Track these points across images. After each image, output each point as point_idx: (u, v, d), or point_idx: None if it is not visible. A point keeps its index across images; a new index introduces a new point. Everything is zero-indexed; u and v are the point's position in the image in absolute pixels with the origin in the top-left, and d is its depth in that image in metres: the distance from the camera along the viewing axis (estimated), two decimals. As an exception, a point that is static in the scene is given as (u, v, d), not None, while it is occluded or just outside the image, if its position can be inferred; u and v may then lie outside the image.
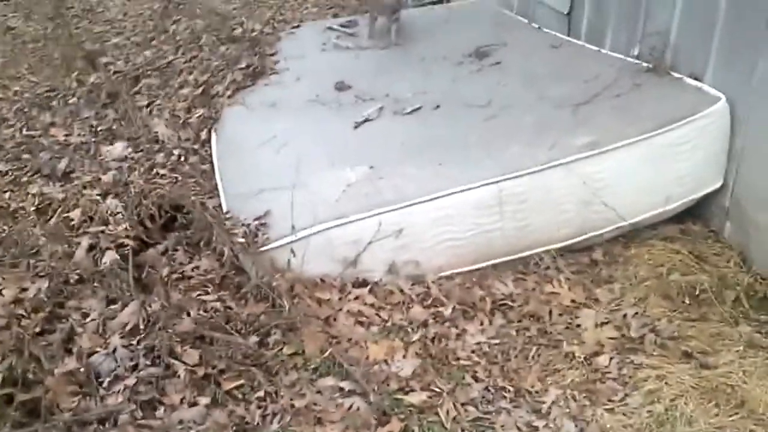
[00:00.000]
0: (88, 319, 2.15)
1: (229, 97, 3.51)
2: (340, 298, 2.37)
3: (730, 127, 2.62)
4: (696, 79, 2.77)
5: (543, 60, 3.45)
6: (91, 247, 2.45)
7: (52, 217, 2.72)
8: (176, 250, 2.51)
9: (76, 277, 2.31)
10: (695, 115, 2.59)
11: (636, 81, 2.88)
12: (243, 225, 2.48)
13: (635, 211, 2.62)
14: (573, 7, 3.77)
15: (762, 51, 2.42)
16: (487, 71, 3.41)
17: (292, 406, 1.95)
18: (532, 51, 3.60)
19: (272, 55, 3.94)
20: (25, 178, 3.12)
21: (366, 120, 3.01)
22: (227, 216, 2.58)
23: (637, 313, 2.35)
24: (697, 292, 2.41)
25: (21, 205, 2.85)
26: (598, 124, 2.67)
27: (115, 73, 4.07)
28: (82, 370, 1.96)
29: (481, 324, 2.33)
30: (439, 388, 2.04)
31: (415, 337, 2.24)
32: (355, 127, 2.97)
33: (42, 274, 2.31)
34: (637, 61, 3.08)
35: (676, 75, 2.85)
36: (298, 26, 4.59)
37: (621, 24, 3.32)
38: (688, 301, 2.39)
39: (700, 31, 2.73)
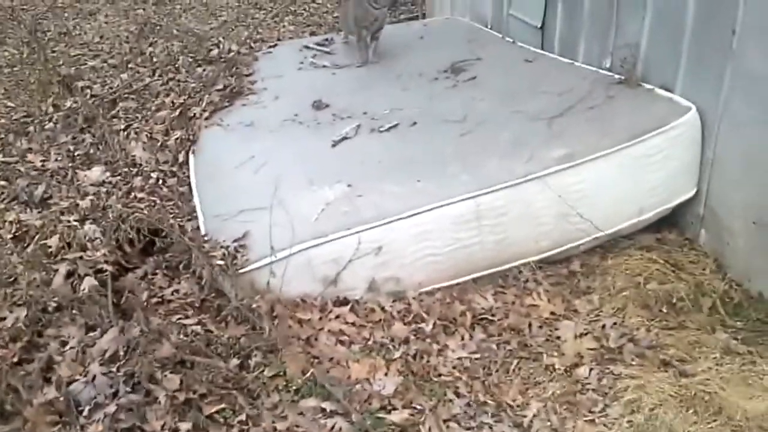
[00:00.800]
0: (67, 347, 2.12)
1: (206, 118, 3.50)
2: (320, 318, 2.36)
3: (702, 137, 2.67)
4: (667, 89, 2.82)
5: (518, 74, 3.50)
6: (70, 274, 2.42)
7: (29, 244, 2.69)
8: (155, 274, 2.50)
9: (55, 304, 2.28)
10: (667, 125, 2.64)
11: (609, 93, 2.92)
12: (222, 247, 2.47)
13: (611, 221, 2.66)
14: (546, 21, 3.82)
15: (729, 60, 2.47)
16: (463, 87, 3.44)
17: (275, 428, 1.94)
18: (507, 65, 3.65)
19: (249, 75, 3.96)
20: (2, 206, 3.09)
21: (344, 138, 3.02)
22: (206, 238, 2.57)
23: (615, 324, 2.37)
24: (674, 301, 2.45)
25: (-2, 233, 2.83)
26: (573, 136, 2.70)
27: (91, 96, 4.05)
28: (61, 399, 1.93)
29: (462, 339, 2.34)
30: (421, 406, 2.04)
31: (397, 354, 2.24)
32: (333, 146, 2.98)
33: (19, 302, 2.28)
34: (609, 73, 3.13)
35: (648, 86, 2.90)
36: (274, 45, 4.62)
37: (592, 37, 3.38)
38: (665, 310, 2.43)
39: (669, 43, 2.78)
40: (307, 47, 4.34)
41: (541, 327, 2.39)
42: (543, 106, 2.96)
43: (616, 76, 3.05)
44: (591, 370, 2.19)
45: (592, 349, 2.27)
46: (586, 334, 2.33)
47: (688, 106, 2.68)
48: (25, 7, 6.49)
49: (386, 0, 3.94)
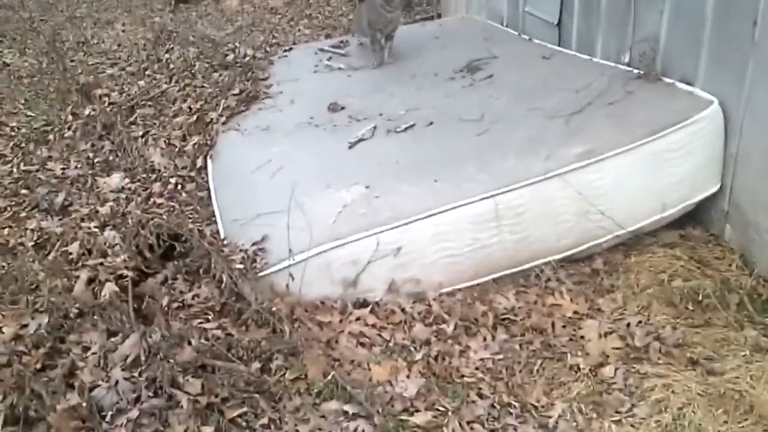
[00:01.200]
0: (89, 353, 2.13)
1: (223, 123, 3.52)
2: (341, 320, 2.35)
3: (724, 130, 2.62)
4: (687, 83, 2.77)
5: (535, 71, 3.46)
6: (91, 280, 2.44)
7: (50, 251, 2.71)
8: (175, 278, 2.50)
9: (76, 311, 2.29)
10: (688, 120, 2.59)
11: (628, 88, 2.88)
12: (241, 251, 2.47)
13: (633, 218, 2.62)
14: (562, 17, 3.78)
15: (751, 52, 2.42)
16: (480, 85, 3.42)
17: (297, 431, 1.94)
18: (524, 63, 3.61)
19: (265, 79, 3.96)
20: (23, 214, 3.12)
21: (360, 140, 3.01)
22: (225, 242, 2.57)
23: (640, 322, 2.33)
24: (700, 298, 2.40)
25: (20, 240, 2.85)
26: (592, 132, 2.67)
27: (110, 104, 4.08)
28: (84, 404, 1.94)
29: (484, 339, 2.31)
30: (444, 407, 2.02)
31: (418, 356, 2.22)
32: (350, 148, 2.97)
33: (42, 309, 2.30)
34: (628, 68, 3.09)
35: (668, 80, 2.85)
36: (290, 49, 4.63)
37: (610, 32, 3.34)
38: (691, 307, 2.38)
39: (689, 36, 2.74)
40: (322, 50, 4.34)
41: (564, 326, 2.35)
42: (561, 103, 2.93)
43: (635, 71, 3.01)
44: (617, 369, 2.15)
45: (617, 349, 2.23)
46: (610, 333, 2.29)
47: (710, 99, 2.64)
48: (44, 17, 6.57)
49: (399, 3, 3.93)
